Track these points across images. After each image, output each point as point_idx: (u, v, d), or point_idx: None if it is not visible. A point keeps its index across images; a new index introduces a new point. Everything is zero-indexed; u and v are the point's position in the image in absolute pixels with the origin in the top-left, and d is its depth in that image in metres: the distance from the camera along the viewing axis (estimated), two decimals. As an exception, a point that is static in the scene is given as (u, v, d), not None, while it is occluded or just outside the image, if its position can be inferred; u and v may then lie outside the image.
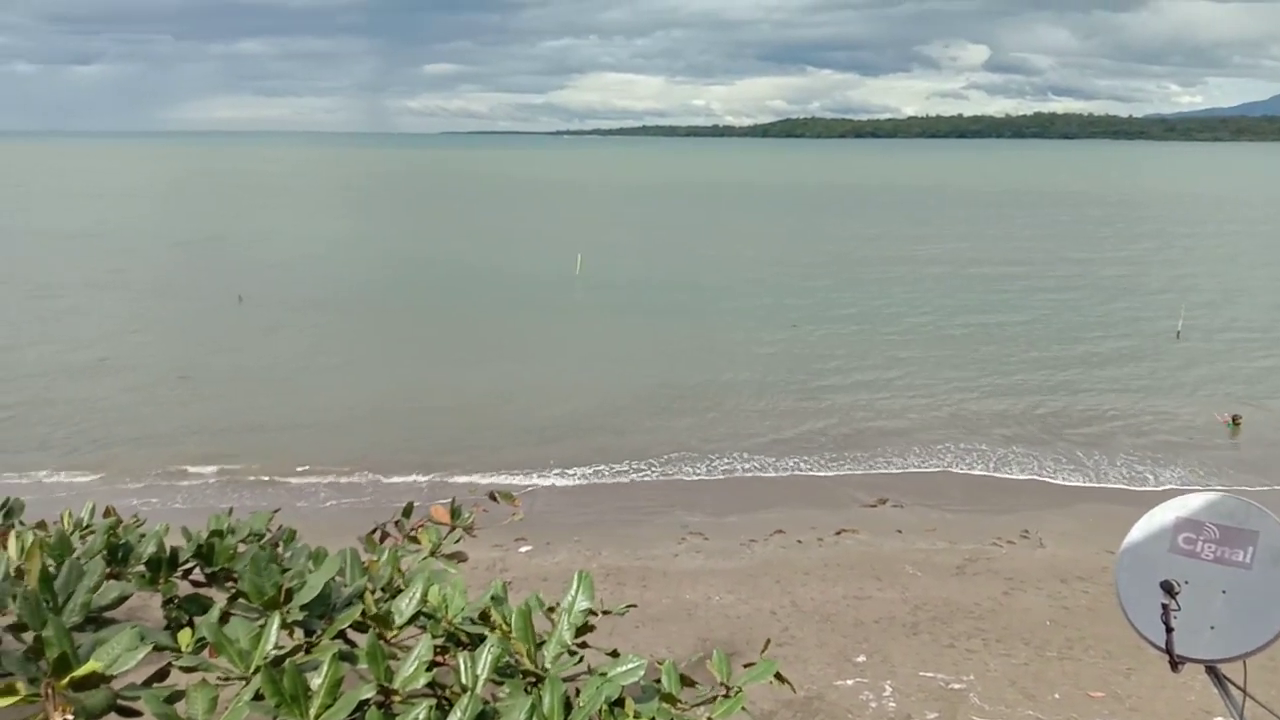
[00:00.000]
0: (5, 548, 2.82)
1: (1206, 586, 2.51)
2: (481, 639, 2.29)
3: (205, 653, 2.41)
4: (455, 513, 3.24)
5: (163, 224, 62.47)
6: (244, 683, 2.17)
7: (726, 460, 19.04)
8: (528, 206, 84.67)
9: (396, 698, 2.11)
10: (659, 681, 2.24)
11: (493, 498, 3.52)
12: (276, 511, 3.23)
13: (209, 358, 26.61)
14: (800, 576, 13.40)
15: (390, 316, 33.40)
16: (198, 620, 2.56)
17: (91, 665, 2.10)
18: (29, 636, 2.40)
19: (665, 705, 2.20)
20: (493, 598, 2.52)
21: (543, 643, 2.35)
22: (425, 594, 2.49)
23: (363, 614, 2.46)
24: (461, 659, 2.20)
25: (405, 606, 2.46)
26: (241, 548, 2.97)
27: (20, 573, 2.68)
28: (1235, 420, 21.39)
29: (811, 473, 18.49)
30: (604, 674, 2.19)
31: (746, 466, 18.82)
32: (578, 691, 2.16)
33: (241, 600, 2.61)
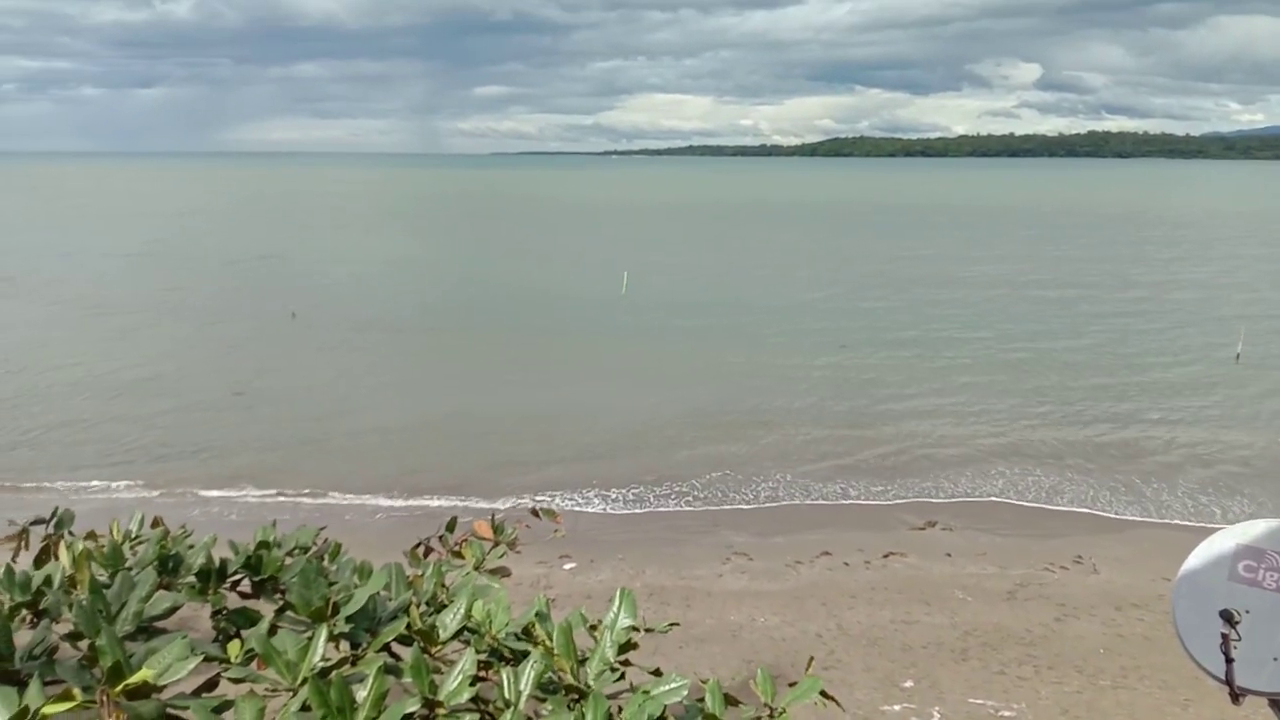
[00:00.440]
0: (57, 557, 2.89)
1: (1269, 616, 2.44)
2: (525, 655, 2.30)
3: (254, 664, 2.44)
4: (498, 528, 3.25)
5: (219, 242, 63.87)
6: (291, 694, 2.20)
7: (772, 481, 18.88)
8: (575, 226, 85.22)
9: (440, 711, 2.12)
10: (702, 701, 2.22)
11: (535, 514, 3.53)
12: (323, 529, 3.27)
13: (262, 374, 27.09)
14: (847, 599, 13.24)
15: (438, 336, 33.76)
16: (246, 632, 2.60)
17: (143, 674, 2.14)
18: (84, 645, 2.46)
19: (708, 725, 2.18)
20: (537, 614, 2.52)
21: (585, 659, 2.34)
22: (469, 609, 2.51)
23: (407, 628, 2.47)
24: (505, 674, 2.21)
25: (449, 621, 2.47)
26: (289, 560, 3.01)
27: (73, 582, 2.74)
28: None
29: (859, 500, 18.23)
30: (647, 692, 2.18)
31: (792, 488, 18.63)
32: (620, 709, 2.15)
33: (289, 612, 2.64)
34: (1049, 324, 36.25)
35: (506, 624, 2.49)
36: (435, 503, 17.53)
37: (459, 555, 3.22)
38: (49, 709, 2.08)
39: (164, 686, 2.18)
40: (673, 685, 2.20)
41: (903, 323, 35.91)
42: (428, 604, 2.72)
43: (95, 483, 18.43)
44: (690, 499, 18.13)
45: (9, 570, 2.81)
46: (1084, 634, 12.06)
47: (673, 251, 60.91)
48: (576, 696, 2.25)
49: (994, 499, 18.35)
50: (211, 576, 2.85)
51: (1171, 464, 20.27)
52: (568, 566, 14.41)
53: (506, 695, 2.17)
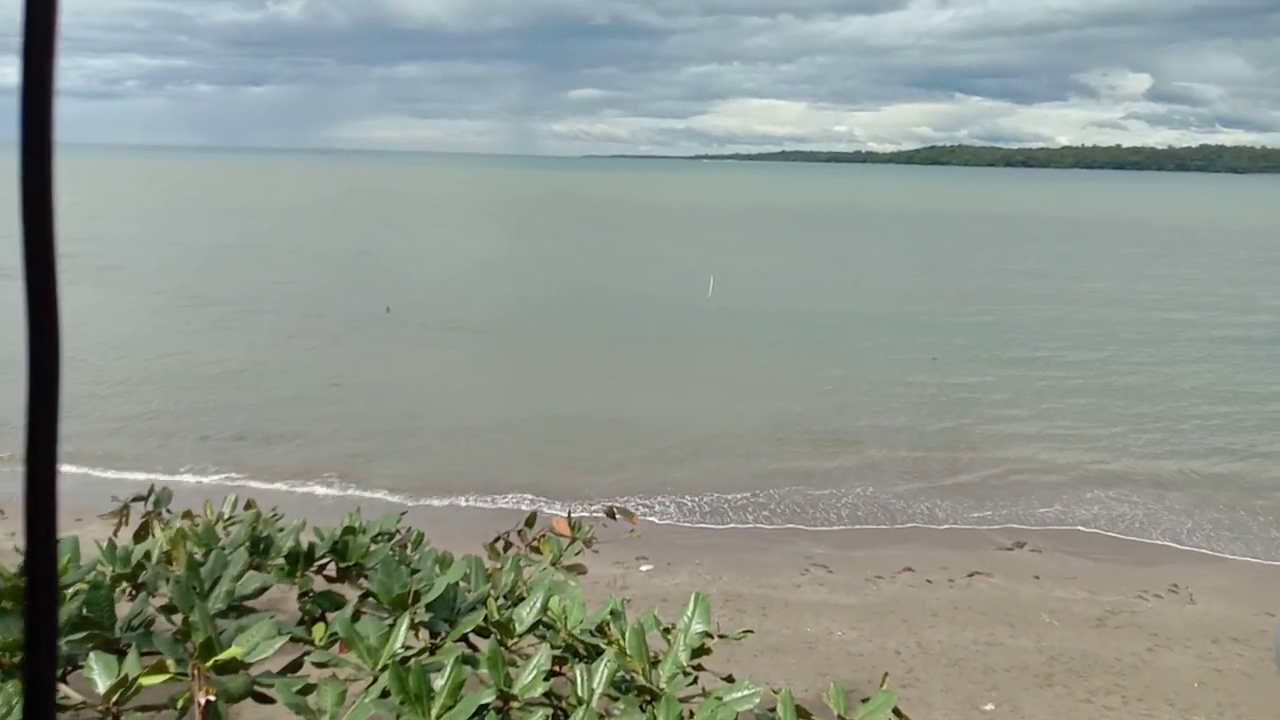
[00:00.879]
0: (155, 534, 3.02)
1: None
2: (598, 652, 2.31)
3: (336, 647, 2.51)
4: (576, 525, 3.28)
5: (319, 237, 65.83)
6: (371, 679, 2.25)
7: (855, 494, 18.58)
8: (664, 229, 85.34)
9: (515, 704, 2.14)
10: (774, 711, 2.20)
11: (611, 514, 3.55)
12: (404, 514, 3.34)
13: (358, 369, 27.83)
14: (928, 617, 12.93)
15: (525, 337, 34.19)
16: (330, 615, 2.67)
17: (233, 651, 2.21)
18: (178, 619, 2.56)
19: (780, 735, 2.16)
20: (611, 612, 2.53)
21: (658, 661, 2.34)
22: (545, 604, 2.53)
23: (485, 619, 2.51)
24: (579, 671, 2.22)
25: (526, 615, 2.50)
26: (373, 547, 3.08)
27: (169, 557, 2.86)
28: None
29: (945, 521, 17.79)
30: (719, 698, 2.17)
31: (875, 502, 18.30)
32: (691, 714, 2.14)
33: (371, 599, 2.70)
34: (1163, 347, 34.53)
35: (581, 621, 2.51)
36: (513, 500, 17.74)
37: (537, 551, 3.26)
38: (146, 680, 2.17)
39: (252, 664, 2.26)
40: (745, 693, 2.18)
41: (1005, 340, 34.67)
42: (505, 597, 2.75)
43: (188, 465, 19.16)
44: (770, 510, 17.95)
45: (111, 544, 2.94)
46: (1177, 666, 11.55)
47: (762, 258, 60.48)
48: (649, 698, 2.25)
49: (1087, 528, 17.66)
50: (300, 559, 2.93)
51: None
52: (644, 568, 14.42)
53: (580, 692, 2.18)
